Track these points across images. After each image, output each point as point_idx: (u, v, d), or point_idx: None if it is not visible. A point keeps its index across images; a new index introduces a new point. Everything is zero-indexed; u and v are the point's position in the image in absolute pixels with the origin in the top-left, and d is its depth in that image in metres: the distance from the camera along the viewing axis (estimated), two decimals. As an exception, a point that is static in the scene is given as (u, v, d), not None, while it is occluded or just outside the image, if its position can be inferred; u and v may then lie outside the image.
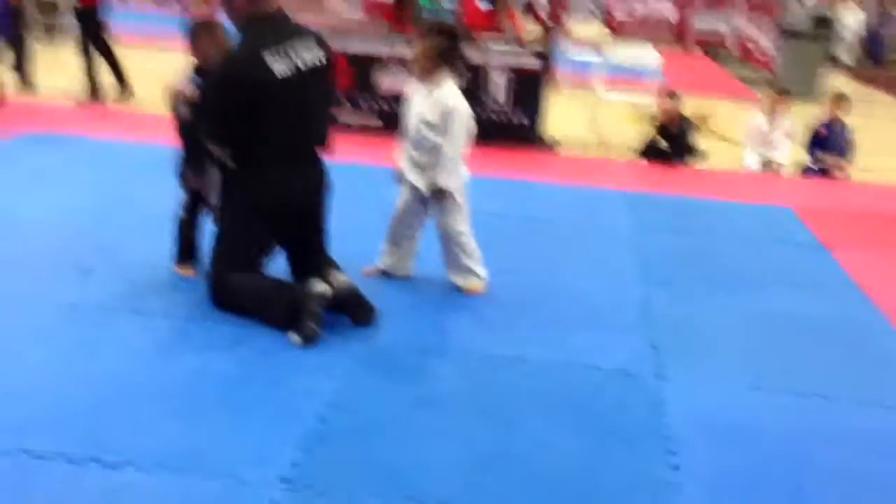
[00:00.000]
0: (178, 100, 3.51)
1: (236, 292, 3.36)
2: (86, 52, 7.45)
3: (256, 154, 3.29)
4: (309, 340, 3.16)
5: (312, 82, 3.30)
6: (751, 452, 2.73)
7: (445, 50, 3.54)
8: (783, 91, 6.77)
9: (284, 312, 3.22)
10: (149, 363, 2.98)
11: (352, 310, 3.35)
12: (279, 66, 3.17)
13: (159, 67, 8.64)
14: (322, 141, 3.49)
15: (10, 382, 2.78)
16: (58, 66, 8.63)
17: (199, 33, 3.51)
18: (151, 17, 14.51)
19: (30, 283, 3.56)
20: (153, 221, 4.09)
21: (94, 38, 7.44)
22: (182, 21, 3.63)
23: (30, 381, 2.79)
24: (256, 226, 3.38)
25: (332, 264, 3.52)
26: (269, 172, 3.31)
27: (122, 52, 7.84)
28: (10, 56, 7.82)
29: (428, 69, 3.57)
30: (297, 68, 3.23)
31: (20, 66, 7.74)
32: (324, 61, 3.35)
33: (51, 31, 10.21)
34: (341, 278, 3.33)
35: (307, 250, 3.55)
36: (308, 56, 3.28)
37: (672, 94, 6.56)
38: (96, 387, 2.79)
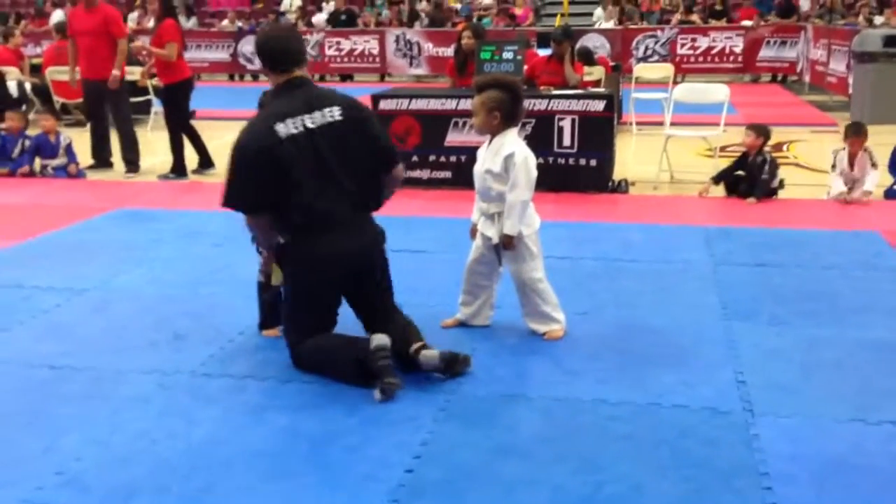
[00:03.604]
0: None
1: (309, 357, 3.43)
2: (171, 128, 7.80)
3: (295, 221, 3.33)
4: (387, 395, 3.19)
5: (328, 141, 3.28)
6: (854, 486, 2.63)
7: (502, 102, 3.59)
8: (857, 127, 6.46)
9: (354, 371, 3.28)
10: (241, 425, 3.07)
11: (450, 368, 3.37)
12: (284, 128, 3.23)
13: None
14: (368, 199, 3.45)
15: (110, 449, 2.90)
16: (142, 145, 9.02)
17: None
18: (227, 91, 15.14)
19: (126, 352, 3.72)
20: (240, 287, 4.25)
21: (176, 114, 7.79)
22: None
23: (129, 447, 2.91)
24: (315, 292, 3.43)
25: (413, 332, 3.45)
26: (314, 238, 3.33)
27: (199, 125, 8.16)
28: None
29: (486, 122, 3.64)
30: (306, 128, 3.26)
31: (96, 147, 8.13)
32: (337, 117, 3.31)
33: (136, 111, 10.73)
34: (429, 354, 3.32)
35: (372, 310, 3.55)
36: (319, 115, 3.28)
37: (756, 129, 6.46)
38: (193, 450, 2.89)
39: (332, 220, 3.34)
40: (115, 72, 7.60)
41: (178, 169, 7.80)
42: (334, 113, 3.33)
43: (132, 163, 7.93)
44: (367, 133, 3.42)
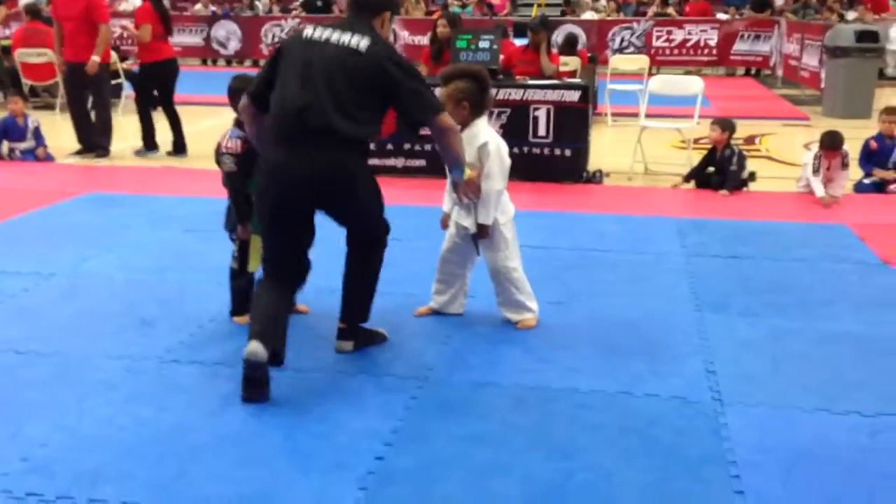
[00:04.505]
0: (221, 152, 3.63)
1: (252, 302, 3.32)
2: (140, 105, 7.86)
3: (270, 128, 3.26)
4: (247, 399, 3.11)
5: (336, 57, 3.17)
6: (819, 475, 2.67)
7: (470, 92, 3.57)
8: (832, 142, 6.43)
9: None
10: (211, 412, 3.04)
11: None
12: (309, 31, 3.27)
13: (209, 124, 8.93)
14: (348, 128, 3.17)
15: (76, 435, 2.86)
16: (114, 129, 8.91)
17: (238, 89, 3.62)
18: (200, 76, 14.98)
19: (93, 337, 3.67)
20: (211, 274, 4.20)
21: (148, 93, 7.85)
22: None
23: (96, 434, 2.87)
24: (266, 200, 3.26)
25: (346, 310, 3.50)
26: (272, 150, 3.24)
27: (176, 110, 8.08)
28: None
29: (456, 113, 3.60)
30: (326, 38, 3.22)
31: (81, 133, 8.00)
32: (361, 50, 3.16)
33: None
34: (342, 346, 3.51)
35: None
36: (345, 37, 3.21)
37: (721, 123, 6.50)
38: (161, 437, 2.86)
39: (296, 133, 3.15)
40: (95, 58, 7.50)
41: (149, 142, 7.85)
42: (361, 43, 3.19)
43: (103, 147, 7.85)
44: (380, 71, 3.18)
